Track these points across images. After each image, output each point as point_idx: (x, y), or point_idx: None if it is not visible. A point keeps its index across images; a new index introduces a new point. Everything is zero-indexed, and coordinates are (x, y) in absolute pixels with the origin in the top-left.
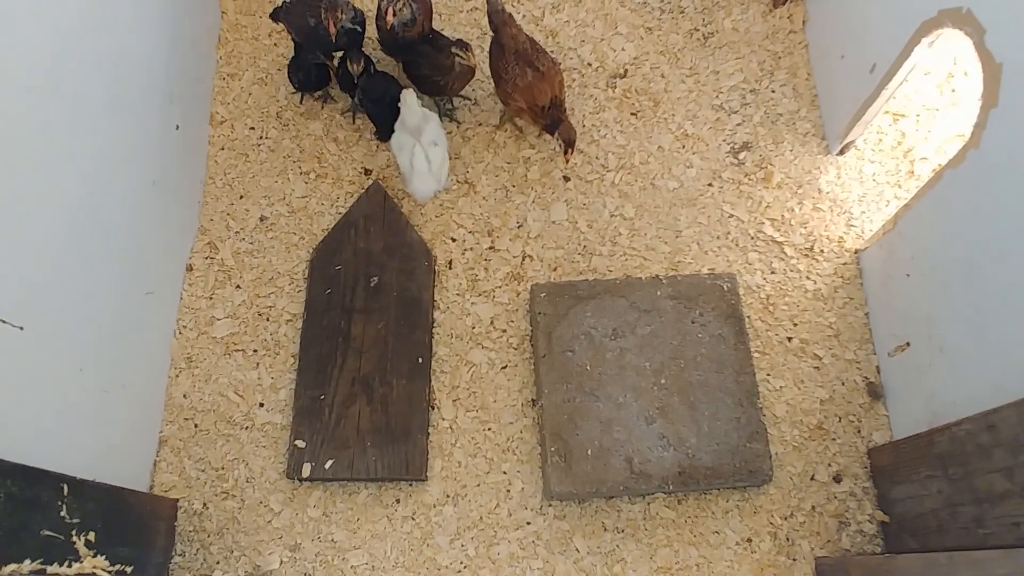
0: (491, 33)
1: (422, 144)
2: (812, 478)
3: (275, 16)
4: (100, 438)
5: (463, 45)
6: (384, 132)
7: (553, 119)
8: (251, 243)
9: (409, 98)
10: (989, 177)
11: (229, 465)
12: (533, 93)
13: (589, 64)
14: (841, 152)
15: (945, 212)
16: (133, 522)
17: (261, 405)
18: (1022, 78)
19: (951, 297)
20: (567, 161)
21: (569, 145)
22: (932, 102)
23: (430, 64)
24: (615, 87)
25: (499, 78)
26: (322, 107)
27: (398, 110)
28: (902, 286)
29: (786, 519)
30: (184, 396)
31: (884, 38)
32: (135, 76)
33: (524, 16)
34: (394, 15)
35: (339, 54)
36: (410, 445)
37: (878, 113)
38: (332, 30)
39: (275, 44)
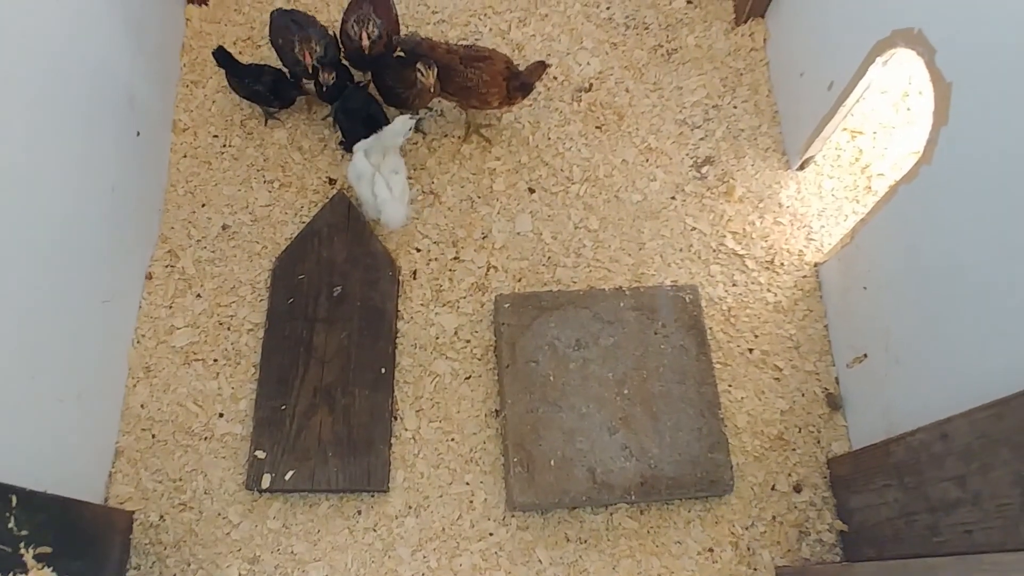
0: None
1: (382, 173)
2: (773, 488)
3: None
4: (53, 448)
5: (427, 63)
6: (352, 143)
7: (519, 78)
8: (213, 252)
9: (400, 122)
10: (941, 192)
11: (187, 476)
12: (495, 77)
13: (555, 78)
14: (801, 167)
15: (900, 227)
16: (86, 535)
17: (221, 415)
18: (971, 97)
19: (906, 309)
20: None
21: (541, 65)
22: (888, 120)
23: (395, 76)
24: (580, 101)
25: (465, 90)
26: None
27: (371, 127)
28: (859, 299)
29: (747, 529)
30: (142, 406)
31: (841, 57)
32: (94, 81)
33: (491, 29)
34: (368, 38)
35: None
36: (372, 456)
37: (836, 130)
38: (308, 61)
39: (240, 52)
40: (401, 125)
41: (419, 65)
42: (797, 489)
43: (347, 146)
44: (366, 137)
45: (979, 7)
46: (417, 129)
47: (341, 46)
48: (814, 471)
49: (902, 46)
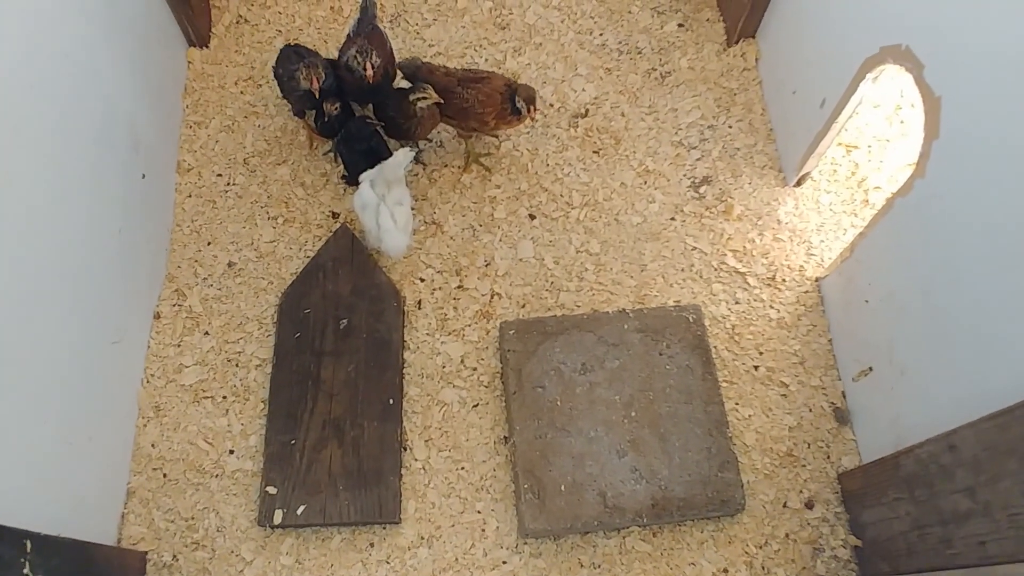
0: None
1: (387, 204)
2: (784, 505)
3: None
4: (65, 491)
5: (421, 87)
6: (354, 177)
7: (512, 99)
8: (219, 289)
9: (402, 155)
10: (936, 205)
11: (199, 515)
12: (492, 97)
13: (551, 105)
14: (798, 183)
15: (898, 239)
16: None
17: (231, 452)
18: (960, 110)
19: (908, 321)
20: (532, 119)
21: (530, 103)
22: (882, 133)
23: (395, 107)
24: (577, 126)
25: (464, 112)
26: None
27: (372, 160)
28: (862, 312)
29: (760, 548)
30: (152, 445)
31: (831, 74)
32: (100, 127)
33: (487, 60)
34: (372, 68)
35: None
36: (383, 487)
37: (831, 145)
38: (315, 87)
39: (241, 92)
40: (403, 157)
41: (417, 92)
42: (809, 505)
43: (349, 179)
44: (368, 169)
45: (964, 23)
46: (417, 160)
47: (341, 81)
48: (825, 487)
49: (891, 62)
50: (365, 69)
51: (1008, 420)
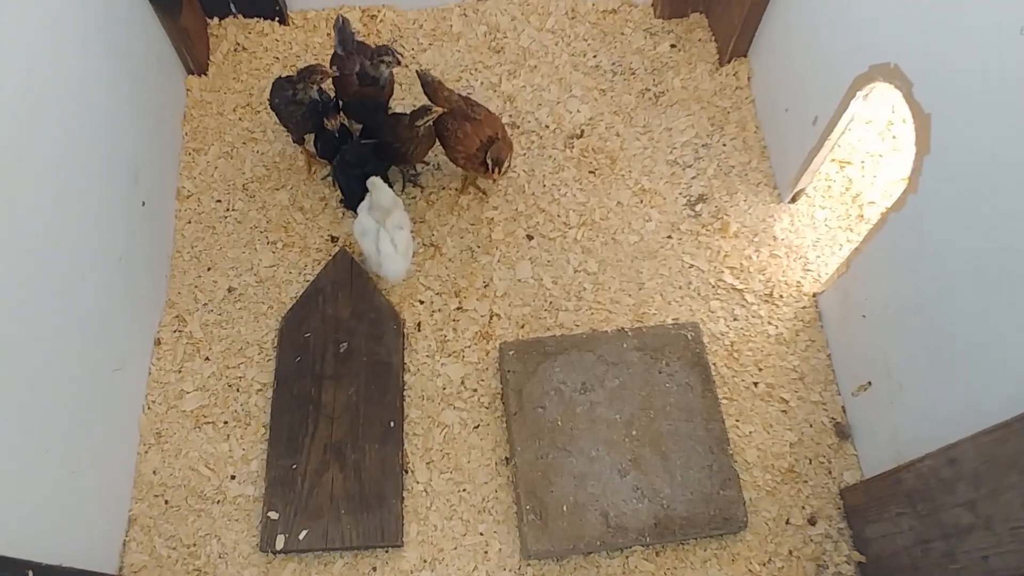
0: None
1: (387, 228)
2: (787, 522)
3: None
4: (67, 520)
5: (424, 111)
6: (351, 201)
7: (487, 150)
8: (219, 314)
9: (377, 182)
10: (929, 220)
11: (201, 541)
12: (471, 139)
13: (547, 126)
14: (793, 200)
15: (892, 254)
16: None
17: (233, 478)
18: (950, 126)
19: (905, 335)
20: (493, 179)
21: (496, 164)
22: (875, 149)
23: (391, 133)
24: (573, 147)
25: (443, 138)
26: (310, 170)
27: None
28: (859, 327)
29: (764, 565)
30: (154, 472)
31: (822, 92)
32: (100, 157)
33: (482, 83)
34: (387, 67)
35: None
36: (384, 511)
37: (824, 162)
38: (331, 72)
39: (240, 119)
40: (379, 182)
41: (418, 122)
42: (812, 522)
43: (346, 203)
44: (364, 192)
45: (951, 41)
46: (415, 183)
47: (340, 94)
48: (828, 502)
49: (880, 80)
50: (397, 61)
51: (1007, 433)
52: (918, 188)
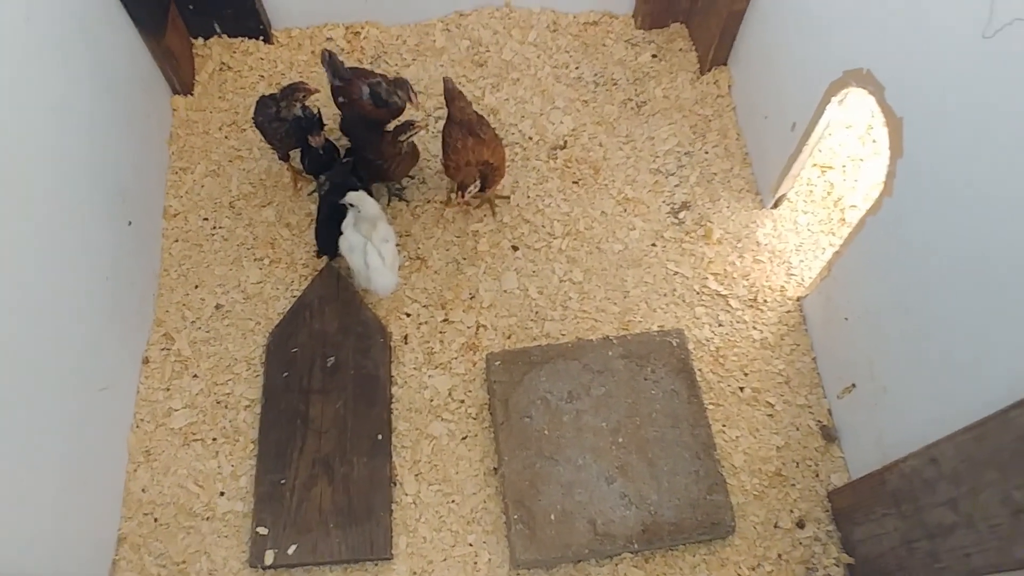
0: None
1: (373, 242)
2: (776, 526)
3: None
4: (56, 540)
5: (407, 126)
6: (326, 245)
7: (480, 170)
8: (207, 332)
9: (360, 194)
10: (905, 222)
11: (191, 558)
12: (467, 154)
13: (530, 138)
14: (775, 205)
15: (871, 257)
16: None
17: (222, 494)
18: (922, 130)
19: (886, 337)
20: (456, 203)
21: (461, 189)
22: (856, 153)
23: (374, 151)
24: (556, 158)
25: (445, 143)
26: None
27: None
28: (842, 329)
29: (753, 569)
30: (143, 490)
31: (799, 98)
32: (86, 178)
33: (467, 95)
34: (414, 98)
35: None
36: (373, 524)
37: (804, 167)
38: (312, 89)
39: (226, 137)
40: (358, 194)
41: (401, 137)
42: (800, 525)
43: (321, 248)
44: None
45: (918, 45)
46: (400, 198)
47: (340, 108)
48: (815, 505)
49: (854, 85)
50: (409, 99)
51: (983, 431)
52: (893, 191)
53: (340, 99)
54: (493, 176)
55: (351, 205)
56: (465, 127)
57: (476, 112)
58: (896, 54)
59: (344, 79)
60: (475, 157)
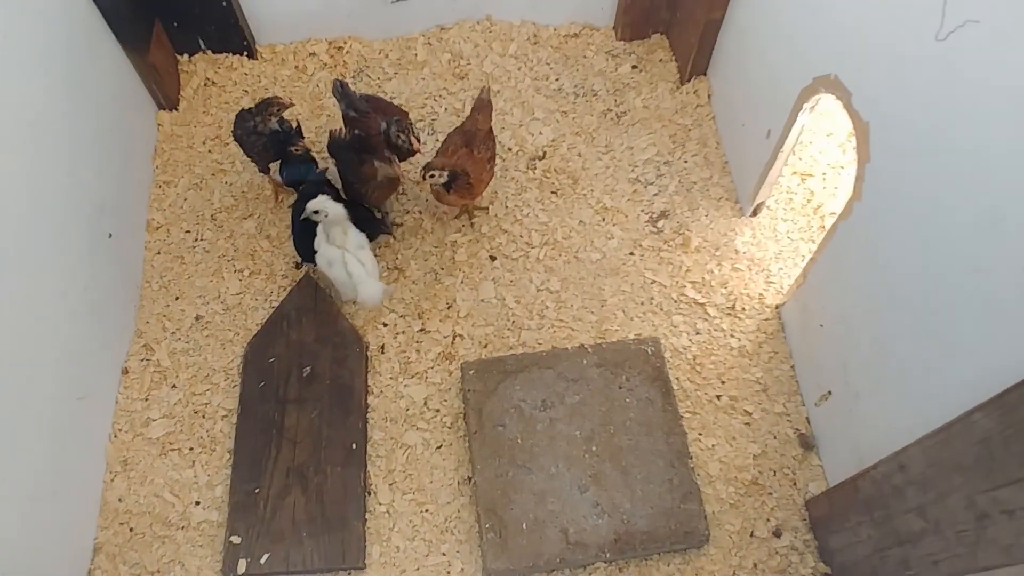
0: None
1: (350, 251)
2: (752, 535)
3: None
4: (30, 549)
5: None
6: (303, 249)
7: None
8: (187, 342)
9: (321, 199)
10: (873, 227)
11: (165, 568)
12: (451, 158)
13: (509, 149)
14: (754, 213)
15: (843, 263)
16: None
17: (197, 503)
18: (888, 135)
19: (858, 343)
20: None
21: (425, 170)
22: (836, 160)
23: (354, 172)
24: (535, 168)
25: (444, 141)
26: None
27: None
28: (818, 336)
29: None
30: (119, 500)
31: (773, 105)
32: (63, 190)
33: (446, 109)
34: (419, 142)
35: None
36: (346, 533)
37: (780, 174)
38: (287, 102)
39: (209, 151)
40: (322, 199)
41: (377, 162)
42: (777, 534)
43: (301, 255)
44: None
45: (880, 50)
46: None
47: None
48: (793, 514)
49: (823, 91)
50: (411, 144)
51: (948, 436)
52: (862, 195)
53: (356, 131)
54: (460, 183)
55: (315, 212)
56: (466, 136)
57: (489, 130)
58: (860, 59)
59: (360, 111)
60: (458, 164)
